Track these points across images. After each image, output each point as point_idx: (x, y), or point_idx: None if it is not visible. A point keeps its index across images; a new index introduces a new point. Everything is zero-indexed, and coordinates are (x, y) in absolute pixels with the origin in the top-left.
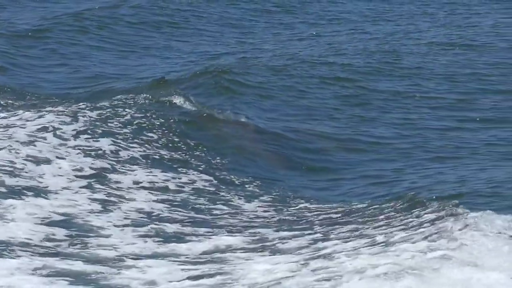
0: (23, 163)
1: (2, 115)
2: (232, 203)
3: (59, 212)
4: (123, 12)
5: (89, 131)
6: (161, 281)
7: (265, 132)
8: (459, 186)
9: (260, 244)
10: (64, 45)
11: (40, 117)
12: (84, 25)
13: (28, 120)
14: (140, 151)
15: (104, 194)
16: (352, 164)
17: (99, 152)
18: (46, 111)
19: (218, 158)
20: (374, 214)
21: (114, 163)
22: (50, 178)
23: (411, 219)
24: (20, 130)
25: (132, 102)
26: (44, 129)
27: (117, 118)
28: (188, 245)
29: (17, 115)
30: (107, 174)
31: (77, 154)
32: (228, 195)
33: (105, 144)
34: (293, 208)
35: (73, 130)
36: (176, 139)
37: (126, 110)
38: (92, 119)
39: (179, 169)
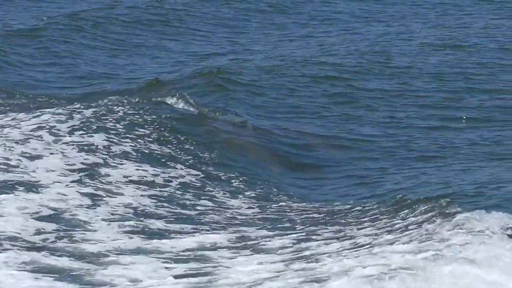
0: (17, 159)
1: None
2: (217, 199)
3: (49, 206)
4: (118, 12)
5: (83, 128)
6: (145, 279)
7: (255, 129)
8: (444, 187)
9: (244, 243)
10: (58, 43)
11: (34, 115)
12: (79, 24)
13: (22, 120)
14: (132, 147)
15: (94, 189)
16: (338, 163)
17: (92, 147)
18: (41, 109)
19: (207, 153)
20: (358, 215)
21: (106, 158)
22: (42, 173)
23: (396, 220)
24: (15, 129)
25: (126, 101)
26: (39, 127)
27: (111, 116)
28: (172, 241)
29: (12, 113)
30: (99, 169)
31: (70, 150)
32: (214, 191)
33: (98, 140)
34: (277, 206)
35: (67, 128)
36: (168, 136)
37: (120, 108)
38: (86, 117)
39: (169, 164)
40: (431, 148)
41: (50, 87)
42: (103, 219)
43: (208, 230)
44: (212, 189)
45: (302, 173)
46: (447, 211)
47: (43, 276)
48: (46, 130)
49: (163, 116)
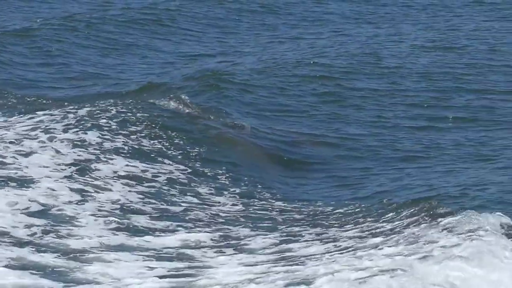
0: (11, 157)
1: None
2: (202, 195)
3: (39, 202)
4: (111, 13)
5: (77, 127)
6: (127, 277)
7: (244, 127)
8: (428, 189)
9: (227, 242)
10: (51, 43)
11: (28, 115)
12: (73, 25)
13: (17, 120)
14: (124, 144)
15: (83, 185)
16: (323, 162)
17: (85, 144)
18: (35, 109)
19: (196, 150)
20: (341, 216)
21: (98, 154)
22: (34, 169)
23: (380, 223)
24: (10, 129)
25: (119, 100)
26: (33, 127)
27: (105, 115)
28: (156, 239)
29: (6, 114)
30: (90, 165)
31: (64, 147)
32: (200, 187)
33: (91, 137)
34: (260, 204)
35: (61, 126)
36: (159, 133)
37: (113, 107)
38: (80, 116)
39: (158, 160)
40: (417, 148)
41: (43, 87)
42: (90, 215)
43: (192, 228)
44: (198, 185)
45: (287, 171)
46: (432, 213)
47: (27, 272)
48: (41, 130)
49: (156, 114)
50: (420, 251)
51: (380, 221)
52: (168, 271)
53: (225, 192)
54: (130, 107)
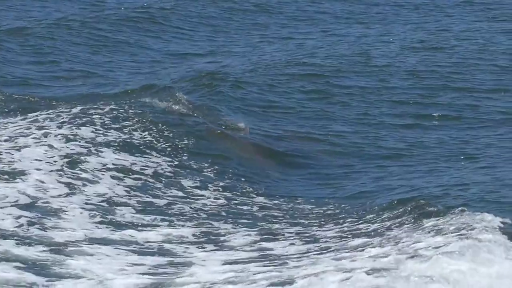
0: (6, 152)
1: None
2: (187, 189)
3: (27, 194)
4: (105, 12)
5: (71, 123)
6: (109, 273)
7: (231, 123)
8: (411, 189)
9: (208, 238)
10: (44, 41)
11: (23, 111)
12: (67, 24)
13: (12, 116)
14: (116, 138)
15: (72, 178)
16: (306, 158)
17: (77, 138)
18: (30, 107)
19: (185, 144)
20: (322, 214)
21: (90, 148)
22: (27, 162)
23: (361, 223)
24: (3, 124)
25: (112, 98)
26: (28, 123)
27: (98, 112)
28: (139, 233)
29: (2, 110)
30: (80, 159)
31: (57, 142)
32: (186, 180)
33: (84, 132)
34: (242, 199)
35: (56, 123)
36: (151, 128)
37: (106, 105)
38: (73, 113)
39: (148, 154)
40: (400, 146)
41: (36, 86)
42: (76, 208)
43: (175, 222)
44: (184, 179)
45: (271, 166)
46: (415, 213)
47: (11, 266)
48: (35, 127)
49: (148, 111)
50: (406, 250)
51: (362, 221)
52: (149, 268)
53: (210, 186)
54: (123, 104)
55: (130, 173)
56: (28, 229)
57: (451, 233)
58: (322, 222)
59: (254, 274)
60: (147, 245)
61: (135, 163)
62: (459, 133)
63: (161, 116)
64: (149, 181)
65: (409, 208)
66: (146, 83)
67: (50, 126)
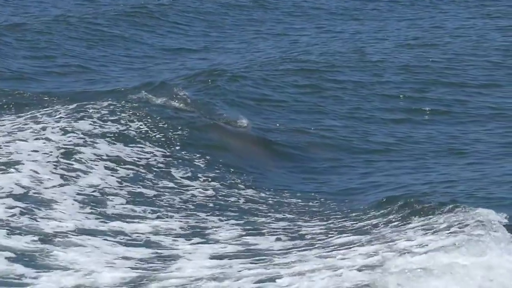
0: (3, 144)
1: None
2: (178, 180)
3: (22, 185)
4: (104, 8)
5: (68, 117)
6: (95, 265)
7: (231, 119)
8: (397, 185)
9: (194, 230)
10: (41, 36)
11: (21, 107)
12: (64, 19)
13: (12, 115)
14: (112, 131)
15: (66, 170)
16: (295, 152)
17: (75, 131)
18: (28, 102)
19: (178, 134)
20: (308, 210)
21: (85, 140)
22: (24, 154)
23: (349, 221)
24: (2, 119)
25: (111, 93)
26: (27, 119)
27: (95, 106)
28: (128, 225)
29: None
30: (76, 150)
31: (54, 134)
32: (177, 171)
33: (82, 126)
34: (230, 192)
35: (55, 118)
36: (147, 121)
37: (104, 100)
38: (71, 107)
39: (143, 146)
40: (390, 141)
41: (34, 81)
42: (68, 199)
43: (163, 214)
44: (175, 169)
45: (260, 158)
46: (403, 210)
47: (1, 257)
48: (33, 121)
49: (145, 105)
50: (395, 247)
51: (349, 217)
52: (136, 261)
53: (200, 177)
54: (120, 99)
55: (124, 164)
56: (19, 219)
57: (442, 229)
58: (309, 217)
59: (240, 270)
60: (135, 236)
61: (130, 155)
62: (448, 128)
63: (157, 110)
64: (141, 172)
65: (397, 205)
66: (142, 78)
67: (47, 120)
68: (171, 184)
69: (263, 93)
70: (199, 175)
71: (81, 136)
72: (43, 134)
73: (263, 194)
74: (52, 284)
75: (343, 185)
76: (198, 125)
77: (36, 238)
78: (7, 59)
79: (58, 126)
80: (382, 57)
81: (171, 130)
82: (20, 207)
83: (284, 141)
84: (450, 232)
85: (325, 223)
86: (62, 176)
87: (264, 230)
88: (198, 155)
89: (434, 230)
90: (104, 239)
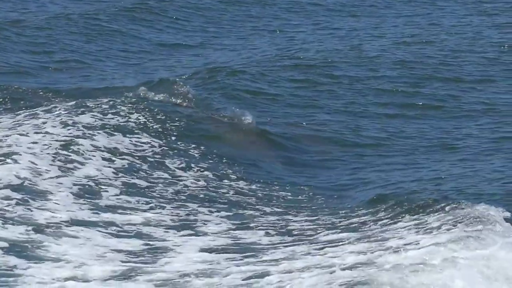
0: (3, 137)
1: None
2: (171, 171)
3: (19, 176)
4: (104, 4)
5: (67, 111)
6: (87, 257)
7: (222, 110)
8: (387, 182)
9: (185, 223)
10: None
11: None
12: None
13: (13, 110)
14: (111, 124)
15: (63, 161)
16: (287, 145)
17: (74, 124)
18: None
19: (174, 124)
20: (297, 204)
21: (85, 132)
22: (22, 147)
23: (337, 218)
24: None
25: (109, 87)
26: (28, 115)
27: (95, 100)
28: (121, 216)
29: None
30: (75, 142)
31: (53, 128)
32: (171, 162)
33: (83, 119)
34: (221, 183)
35: (52, 111)
36: (145, 114)
37: (103, 94)
38: (71, 101)
39: (139, 136)
40: (382, 135)
41: (34, 76)
42: (63, 189)
43: (155, 205)
44: (169, 159)
45: (252, 150)
46: (393, 207)
47: None
48: (32, 116)
49: (144, 100)
50: (385, 245)
51: (338, 214)
52: (126, 254)
53: (193, 165)
54: (118, 94)
55: (121, 155)
56: (14, 210)
57: (435, 226)
58: (298, 212)
59: (228, 266)
60: (126, 228)
61: (127, 146)
62: (441, 123)
63: (155, 104)
64: (137, 163)
65: (388, 202)
66: (141, 73)
67: (46, 113)
68: (165, 175)
69: (259, 88)
70: (193, 165)
71: (81, 129)
72: (42, 128)
73: (253, 186)
74: (44, 276)
75: (333, 179)
76: (195, 117)
77: (29, 228)
78: (5, 53)
79: (57, 120)
80: (379, 53)
81: (169, 122)
82: (16, 198)
83: (277, 134)
84: (445, 228)
85: (314, 218)
86: (59, 167)
87: (253, 224)
88: (193, 146)
89: (427, 227)
90: (97, 231)
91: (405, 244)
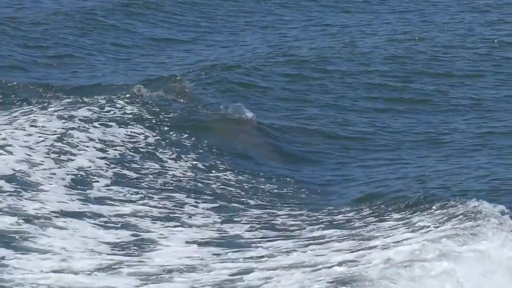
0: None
1: None
2: (161, 162)
3: (13, 167)
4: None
5: (63, 105)
6: (74, 249)
7: (212, 102)
8: (372, 178)
9: (171, 214)
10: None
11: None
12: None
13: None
14: (107, 116)
15: (57, 153)
16: (276, 137)
17: (72, 118)
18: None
19: (168, 116)
20: (283, 199)
21: (80, 125)
22: (19, 139)
23: (323, 215)
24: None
25: (106, 82)
26: (26, 107)
27: (90, 95)
28: (109, 207)
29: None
30: (69, 134)
31: (50, 121)
32: (162, 152)
33: (80, 113)
34: (207, 175)
35: (48, 105)
36: (139, 106)
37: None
38: (69, 97)
39: (133, 126)
40: (369, 130)
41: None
42: (55, 181)
43: (144, 196)
44: (161, 150)
45: (241, 142)
46: (378, 204)
47: None
48: (29, 110)
49: (139, 94)
50: (371, 243)
51: (322, 210)
52: (112, 247)
53: (183, 155)
54: (115, 89)
55: (113, 146)
56: (5, 200)
57: (424, 222)
58: (283, 206)
59: (212, 262)
60: (114, 219)
61: (120, 137)
62: (428, 118)
63: (150, 98)
64: (128, 154)
65: (372, 199)
66: (137, 68)
67: (42, 108)
68: (155, 166)
69: (252, 81)
70: (183, 156)
71: (76, 122)
72: (38, 121)
73: (240, 177)
74: (31, 268)
75: (318, 173)
76: (188, 110)
77: (18, 219)
78: (3, 50)
79: (52, 114)
80: (371, 49)
81: (162, 114)
82: (7, 189)
83: (268, 126)
84: (436, 225)
85: (298, 213)
86: (53, 159)
87: (238, 218)
88: (185, 136)
89: (416, 224)
90: (85, 222)
91: (394, 242)
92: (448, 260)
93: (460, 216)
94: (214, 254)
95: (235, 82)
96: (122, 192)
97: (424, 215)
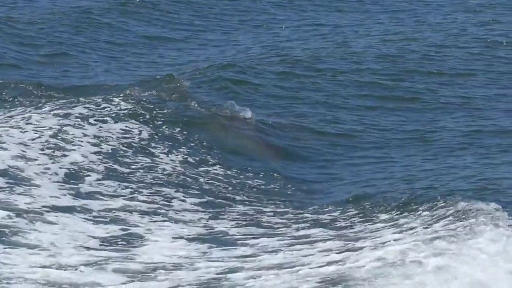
0: None
1: None
2: (153, 156)
3: (6, 163)
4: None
5: (60, 103)
6: (63, 244)
7: (205, 99)
8: (357, 178)
9: (160, 209)
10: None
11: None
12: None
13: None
14: (102, 112)
15: (51, 149)
16: (266, 133)
17: (68, 116)
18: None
19: (161, 112)
20: (270, 197)
21: (76, 122)
22: (15, 136)
23: (307, 210)
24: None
25: (101, 81)
26: (22, 107)
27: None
28: (99, 202)
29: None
30: (64, 131)
31: (45, 119)
32: (155, 147)
33: (76, 111)
34: (196, 170)
35: (45, 104)
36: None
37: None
38: (66, 95)
39: (127, 122)
40: (358, 128)
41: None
42: (47, 176)
43: (134, 190)
44: (154, 144)
45: (231, 137)
46: (364, 204)
47: None
48: (25, 108)
49: (135, 93)
50: (357, 245)
51: (307, 209)
52: (101, 242)
53: (174, 151)
54: (111, 88)
55: (107, 142)
56: None
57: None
58: (269, 204)
59: (198, 261)
60: (103, 214)
61: (114, 133)
62: (417, 116)
63: (145, 95)
64: (121, 148)
65: (360, 199)
66: (132, 67)
67: (37, 106)
68: (147, 160)
69: (245, 79)
70: (174, 151)
71: (70, 119)
72: (33, 119)
73: (229, 172)
74: (19, 263)
75: (306, 171)
76: (182, 107)
77: (9, 214)
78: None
79: (48, 112)
80: (364, 48)
81: (156, 110)
82: (4, 183)
83: (259, 122)
84: (425, 225)
85: (284, 210)
86: (47, 154)
87: (225, 215)
88: (178, 131)
89: (405, 224)
90: (75, 216)
91: (383, 242)
92: (442, 256)
93: (452, 214)
94: (200, 252)
95: (229, 80)
96: (113, 187)
97: (412, 215)
